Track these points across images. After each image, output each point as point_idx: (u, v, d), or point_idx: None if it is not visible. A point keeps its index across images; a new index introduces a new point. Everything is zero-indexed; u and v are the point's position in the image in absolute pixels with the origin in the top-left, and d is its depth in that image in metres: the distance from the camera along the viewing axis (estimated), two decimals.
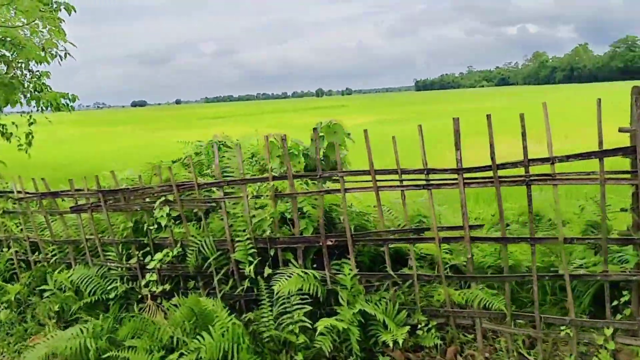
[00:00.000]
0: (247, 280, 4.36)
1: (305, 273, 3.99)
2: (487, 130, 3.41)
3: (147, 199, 4.77)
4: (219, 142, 7.59)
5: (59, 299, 5.07)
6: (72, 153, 25.90)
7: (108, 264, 5.11)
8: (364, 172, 3.88)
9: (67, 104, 15.83)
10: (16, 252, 5.71)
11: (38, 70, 15.34)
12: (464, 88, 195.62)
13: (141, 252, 4.91)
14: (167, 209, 4.60)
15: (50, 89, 15.60)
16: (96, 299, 4.95)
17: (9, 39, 12.94)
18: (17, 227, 5.69)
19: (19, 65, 15.18)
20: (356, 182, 4.01)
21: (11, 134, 15.10)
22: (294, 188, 4.18)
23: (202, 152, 7.60)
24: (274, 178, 4.22)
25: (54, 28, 10.56)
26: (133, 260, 4.92)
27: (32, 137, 15.26)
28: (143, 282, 4.88)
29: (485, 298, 3.54)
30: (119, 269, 5.04)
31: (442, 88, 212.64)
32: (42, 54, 12.05)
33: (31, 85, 15.29)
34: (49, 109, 15.51)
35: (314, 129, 6.80)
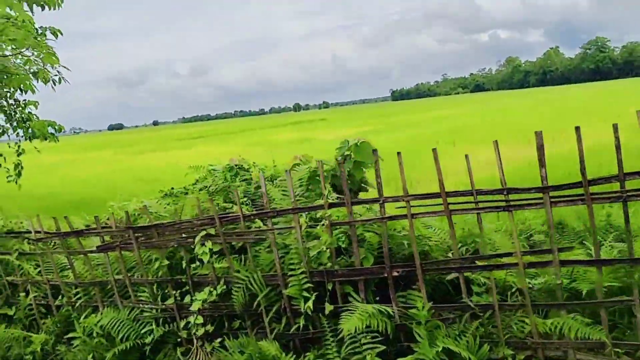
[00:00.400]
0: (301, 317, 4.03)
1: (377, 310, 3.66)
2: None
3: (184, 234, 4.41)
4: (236, 165, 7.28)
5: (89, 347, 4.66)
6: (56, 181, 25.15)
7: (140, 305, 4.73)
8: (434, 195, 3.59)
9: (53, 134, 15.36)
10: (34, 296, 5.27)
11: (25, 100, 14.84)
12: (440, 96, 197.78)
13: (178, 291, 4.54)
14: (209, 243, 4.25)
15: (38, 117, 15.10)
16: (130, 344, 4.56)
17: None
18: (35, 269, 5.25)
19: (5, 94, 14.66)
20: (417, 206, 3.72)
21: None
22: (353, 215, 3.88)
23: (218, 177, 7.27)
24: (331, 205, 3.91)
25: (45, 53, 10.12)
26: (170, 301, 4.55)
27: (22, 167, 14.70)
28: (182, 324, 4.52)
29: (579, 327, 3.26)
30: (154, 311, 4.65)
31: (419, 97, 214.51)
32: (35, 81, 11.59)
33: (17, 114, 14.79)
34: (36, 138, 15.01)
35: (340, 148, 6.54)
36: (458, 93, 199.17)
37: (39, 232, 5.07)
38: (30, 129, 15.03)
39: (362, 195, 5.60)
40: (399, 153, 3.62)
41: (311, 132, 52.43)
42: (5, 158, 14.37)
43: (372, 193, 4.61)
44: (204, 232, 4.28)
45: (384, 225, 3.79)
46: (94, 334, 4.74)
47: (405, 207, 3.67)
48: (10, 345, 4.95)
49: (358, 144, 6.53)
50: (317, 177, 5.97)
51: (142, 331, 4.65)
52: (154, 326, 4.61)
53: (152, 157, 43.82)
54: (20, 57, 10.85)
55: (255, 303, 4.14)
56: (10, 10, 9.01)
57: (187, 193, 7.75)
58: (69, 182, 26.04)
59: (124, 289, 4.87)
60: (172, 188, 8.09)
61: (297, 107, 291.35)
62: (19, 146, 15.04)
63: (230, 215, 4.26)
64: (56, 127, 15.37)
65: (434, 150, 3.55)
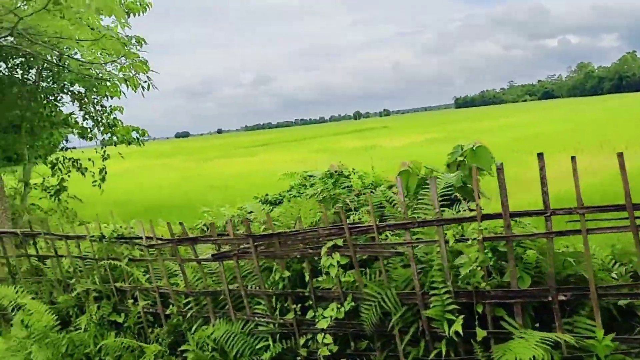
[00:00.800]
0: (442, 341, 3.59)
1: (541, 339, 3.16)
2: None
3: (309, 244, 4.08)
4: (336, 172, 6.94)
5: None
6: (131, 187, 25.86)
7: (256, 318, 4.44)
8: (617, 208, 3.07)
9: (137, 138, 15.70)
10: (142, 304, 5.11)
11: (110, 105, 15.26)
12: (506, 103, 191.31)
13: (299, 305, 4.22)
14: (337, 255, 3.89)
15: (122, 123, 15.49)
16: None
17: (87, 76, 12.82)
18: (144, 276, 5.09)
19: (93, 100, 15.13)
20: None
21: (86, 169, 14.99)
22: (510, 229, 3.40)
23: (317, 183, 6.96)
24: (484, 217, 3.45)
25: (136, 61, 10.25)
26: (289, 315, 4.23)
27: (106, 172, 15.10)
28: (302, 341, 4.19)
29: None
30: (270, 325, 4.35)
31: (484, 104, 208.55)
32: (125, 87, 11.81)
33: (103, 120, 15.22)
34: (121, 143, 15.39)
35: (452, 154, 6.03)
36: (525, 100, 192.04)
37: (150, 238, 4.90)
38: (114, 135, 15.44)
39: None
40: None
41: (374, 140, 51.89)
42: (93, 162, 14.80)
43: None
44: (331, 243, 3.93)
45: (551, 242, 3.29)
46: (206, 347, 4.52)
47: (578, 220, 3.16)
48: (120, 354, 4.79)
49: (474, 148, 6.03)
50: (426, 185, 5.54)
51: (257, 346, 4.37)
52: (270, 342, 4.32)
53: (219, 164, 44.69)
54: (113, 64, 11.05)
55: (391, 324, 3.74)
56: (110, 19, 9.13)
57: (281, 200, 7.50)
58: (143, 188, 26.77)
59: (237, 300, 4.60)
60: (267, 194, 7.87)
61: (357, 115, 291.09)
62: (104, 151, 15.46)
63: (362, 225, 3.89)
64: (140, 132, 15.73)
65: (620, 155, 3.02)
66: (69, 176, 14.92)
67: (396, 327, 3.75)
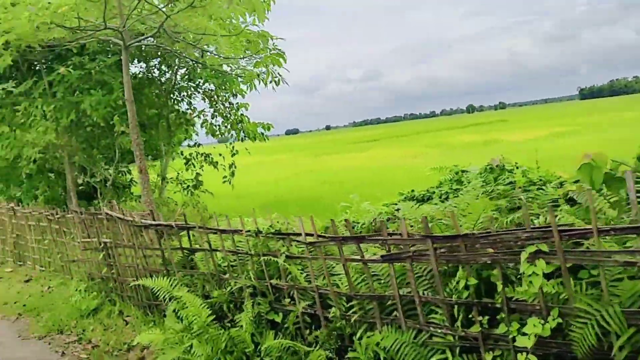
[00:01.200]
0: None
1: None
2: None
3: (502, 248, 3.53)
4: (497, 166, 6.27)
5: None
6: (250, 182, 26.58)
7: (430, 328, 3.97)
8: None
9: (262, 133, 15.93)
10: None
11: (237, 102, 15.62)
12: None
13: (486, 317, 3.68)
14: (542, 263, 3.30)
15: (249, 119, 15.79)
16: None
17: (221, 72, 13.16)
18: (301, 274, 4.83)
19: (223, 98, 15.56)
20: None
21: (217, 162, 15.49)
22: None
23: (475, 179, 6.34)
24: None
25: (274, 54, 10.24)
26: (474, 328, 3.70)
27: (235, 167, 15.48)
28: (488, 358, 3.65)
29: None
30: (449, 337, 3.86)
31: (613, 94, 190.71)
32: (257, 82, 11.94)
33: (231, 117, 15.61)
34: (249, 139, 15.69)
35: None
36: None
37: (311, 234, 4.62)
38: (243, 131, 15.77)
39: None
40: None
41: (492, 134, 49.30)
42: (224, 157, 15.24)
43: None
44: (533, 248, 3.34)
45: None
46: (371, 355, 4.14)
47: None
48: (280, 355, 4.57)
49: None
50: (617, 179, 4.72)
51: (432, 359, 3.90)
52: (449, 355, 3.83)
53: (330, 159, 44.99)
54: (246, 59, 11.17)
55: (616, 348, 3.08)
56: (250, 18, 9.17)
57: (430, 197, 6.98)
58: (260, 183, 27.48)
59: (406, 306, 4.17)
60: (412, 190, 7.39)
61: (470, 109, 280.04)
62: (233, 147, 15.85)
63: (577, 228, 3.25)
64: (265, 127, 15.95)
65: None
66: (202, 170, 15.52)
67: (622, 351, 3.08)
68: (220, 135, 15.69)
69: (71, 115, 11.26)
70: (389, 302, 4.27)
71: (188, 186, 15.62)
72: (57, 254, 9.47)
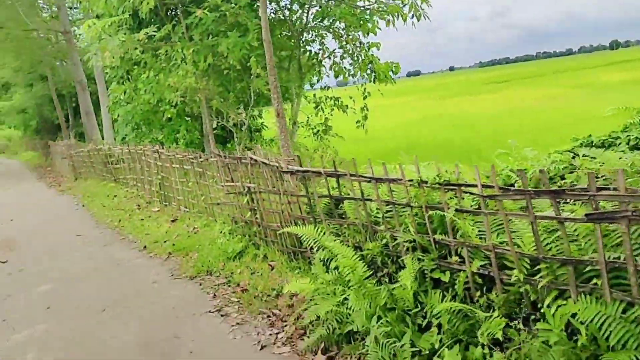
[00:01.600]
0: None
1: None
2: None
3: None
4: None
5: (567, 346, 3.40)
6: (375, 125, 25.95)
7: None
8: None
9: (391, 76, 15.09)
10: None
11: (368, 42, 14.84)
12: None
13: None
14: None
15: (379, 59, 14.99)
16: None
17: (358, 7, 12.43)
18: (472, 231, 4.22)
19: (353, 37, 14.85)
20: None
21: (347, 106, 15.03)
22: None
23: None
24: None
25: None
26: None
27: (367, 110, 14.93)
28: None
29: None
30: None
31: None
32: (397, 17, 11.07)
33: (361, 57, 14.88)
34: (380, 81, 14.94)
35: None
36: None
37: (489, 186, 3.96)
38: (374, 72, 15.03)
39: None
40: None
41: None
42: (354, 100, 14.73)
43: None
44: None
45: None
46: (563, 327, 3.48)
47: None
48: (449, 318, 4.07)
49: None
50: None
51: None
52: None
53: (458, 102, 42.64)
54: None
55: None
56: None
57: (612, 144, 5.91)
58: (387, 127, 26.71)
59: (615, 274, 3.42)
60: (590, 135, 6.33)
61: (614, 45, 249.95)
62: (364, 89, 15.25)
63: None
64: (392, 69, 15.08)
65: None
66: (332, 115, 15.18)
67: None
68: (349, 78, 15.11)
69: (208, 59, 11.34)
70: (588, 269, 3.54)
71: (318, 131, 15.42)
72: (201, 196, 9.73)
